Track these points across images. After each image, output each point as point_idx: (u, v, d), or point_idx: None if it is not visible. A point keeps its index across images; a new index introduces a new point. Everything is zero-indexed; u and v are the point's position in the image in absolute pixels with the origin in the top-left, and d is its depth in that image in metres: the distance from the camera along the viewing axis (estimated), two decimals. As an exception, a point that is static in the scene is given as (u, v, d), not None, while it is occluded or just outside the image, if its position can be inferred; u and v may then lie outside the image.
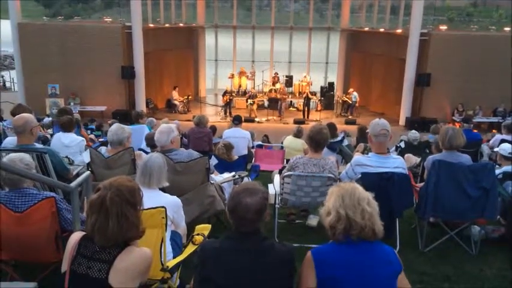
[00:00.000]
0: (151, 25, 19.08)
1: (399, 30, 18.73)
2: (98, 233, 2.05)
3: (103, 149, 4.93)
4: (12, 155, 3.20)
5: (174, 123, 7.73)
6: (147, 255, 2.12)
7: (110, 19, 20.28)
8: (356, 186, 2.29)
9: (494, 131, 14.23)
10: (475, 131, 10.60)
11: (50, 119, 10.76)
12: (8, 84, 22.60)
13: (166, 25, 20.18)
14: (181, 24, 21.01)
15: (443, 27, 19.52)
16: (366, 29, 20.92)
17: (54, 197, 3.10)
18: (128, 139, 4.60)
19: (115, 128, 4.60)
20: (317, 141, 4.29)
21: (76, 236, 2.16)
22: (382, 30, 19.88)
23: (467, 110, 17.24)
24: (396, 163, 4.08)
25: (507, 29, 20.19)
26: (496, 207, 4.23)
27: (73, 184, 3.13)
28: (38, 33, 17.49)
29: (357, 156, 4.30)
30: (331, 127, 7.16)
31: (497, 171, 4.60)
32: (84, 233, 2.16)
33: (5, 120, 8.30)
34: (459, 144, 4.25)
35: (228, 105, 18.43)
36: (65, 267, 2.12)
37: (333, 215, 2.22)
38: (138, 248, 2.13)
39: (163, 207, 2.87)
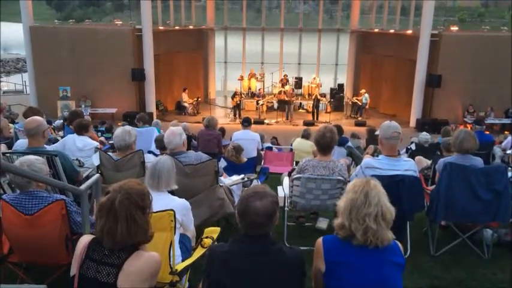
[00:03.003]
0: (161, 27, 19.22)
1: (409, 31, 18.61)
2: (106, 236, 2.05)
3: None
4: (23, 158, 3.19)
5: (180, 125, 7.75)
6: (156, 260, 2.11)
7: (121, 22, 20.37)
8: (369, 195, 2.20)
9: (506, 132, 14.06)
10: (487, 132, 10.48)
11: (61, 121, 10.85)
12: (19, 87, 22.91)
13: (176, 27, 20.29)
14: (191, 27, 21.10)
15: (454, 28, 19.30)
16: (376, 30, 20.80)
17: (64, 200, 3.11)
18: (134, 142, 4.52)
19: (121, 133, 4.44)
20: (322, 144, 4.30)
21: (85, 240, 2.17)
22: (392, 31, 19.77)
23: (478, 112, 17.04)
24: (407, 165, 4.03)
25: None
26: (509, 210, 4.18)
27: (83, 187, 3.13)
28: (50, 36, 17.68)
29: (367, 159, 4.26)
30: (337, 130, 7.11)
31: (509, 174, 4.53)
32: (93, 236, 2.17)
33: (17, 123, 8.40)
34: (471, 146, 4.20)
35: (237, 107, 18.45)
36: (73, 270, 2.12)
37: (339, 221, 2.25)
38: (147, 252, 2.12)
39: (172, 210, 2.86)
